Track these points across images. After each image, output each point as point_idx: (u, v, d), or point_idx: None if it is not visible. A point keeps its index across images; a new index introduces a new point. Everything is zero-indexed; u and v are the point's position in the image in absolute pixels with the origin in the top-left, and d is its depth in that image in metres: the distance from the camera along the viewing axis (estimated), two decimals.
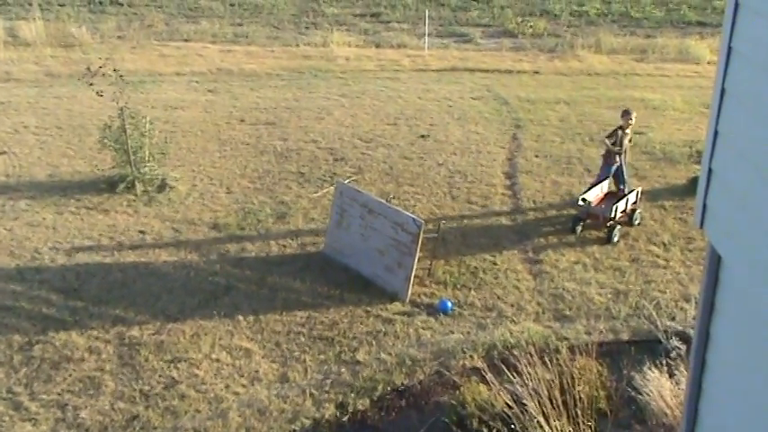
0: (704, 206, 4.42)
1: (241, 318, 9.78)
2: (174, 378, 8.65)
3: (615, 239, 11.61)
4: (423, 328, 9.58)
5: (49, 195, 13.12)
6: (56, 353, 9.04)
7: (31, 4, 27.48)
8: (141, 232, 11.91)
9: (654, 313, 9.37)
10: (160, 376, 8.69)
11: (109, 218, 12.37)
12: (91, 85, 12.83)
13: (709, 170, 4.33)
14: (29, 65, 21.45)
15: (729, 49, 4.06)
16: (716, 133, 4.24)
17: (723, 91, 4.13)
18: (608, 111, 18.01)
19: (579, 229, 11.87)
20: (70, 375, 8.68)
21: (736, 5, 3.99)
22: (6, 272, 10.76)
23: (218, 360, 8.98)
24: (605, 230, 11.72)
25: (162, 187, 13.34)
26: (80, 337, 9.35)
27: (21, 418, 8.03)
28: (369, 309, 9.99)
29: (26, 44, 23.32)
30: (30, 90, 19.23)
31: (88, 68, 13.00)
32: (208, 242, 11.61)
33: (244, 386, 8.56)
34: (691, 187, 13.02)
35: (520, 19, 27.96)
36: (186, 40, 24.80)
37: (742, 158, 3.96)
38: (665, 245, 11.60)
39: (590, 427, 7.26)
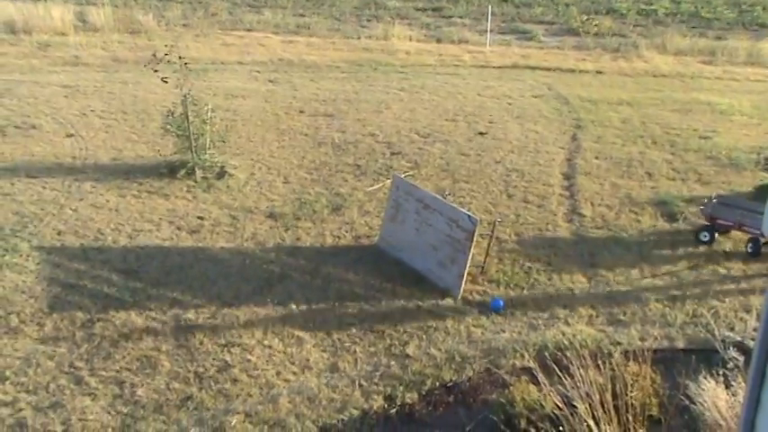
0: None
1: (294, 306, 9.90)
2: (227, 362, 8.82)
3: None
4: (474, 326, 9.55)
5: (113, 178, 13.48)
6: (115, 331, 9.31)
7: None
8: (200, 218, 12.14)
9: (712, 322, 9.16)
10: (214, 359, 8.86)
11: (169, 202, 12.65)
12: (156, 71, 13.11)
13: None
14: (96, 50, 22.06)
15: None
16: None
17: None
18: (672, 113, 17.66)
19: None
20: (128, 354, 8.92)
21: None
22: (71, 251, 11.11)
23: (270, 347, 9.12)
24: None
25: (221, 174, 13.58)
26: (139, 317, 9.60)
27: (81, 392, 8.29)
28: (420, 304, 10.00)
29: (95, 29, 24.00)
30: (97, 74, 19.78)
31: (154, 55, 13.28)
32: (264, 230, 11.78)
33: (294, 373, 8.67)
34: (757, 194, 12.67)
35: (585, 17, 27.56)
36: (249, 30, 25.17)
37: None
38: (726, 252, 11.32)
39: None
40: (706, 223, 11.52)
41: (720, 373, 7.96)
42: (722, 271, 10.85)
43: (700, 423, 7.54)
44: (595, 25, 26.47)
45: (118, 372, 8.63)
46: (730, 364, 8.22)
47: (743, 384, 7.50)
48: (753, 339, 8.06)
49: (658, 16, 28.38)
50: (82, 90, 18.40)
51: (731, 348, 8.54)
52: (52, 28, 23.50)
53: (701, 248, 11.41)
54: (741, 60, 22.87)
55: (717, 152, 15.14)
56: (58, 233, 11.59)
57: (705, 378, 7.83)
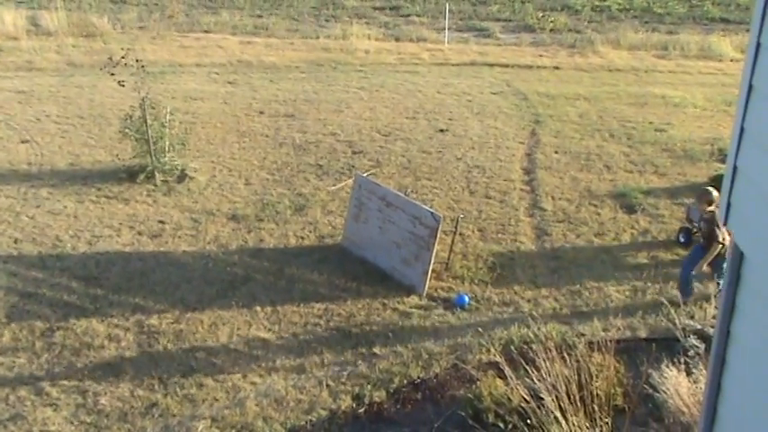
0: (728, 204, 4.40)
1: (259, 308, 9.83)
2: (192, 366, 8.72)
3: None
4: (439, 322, 9.59)
5: (71, 184, 13.24)
6: (76, 340, 9.14)
7: None
8: (161, 222, 11.99)
9: (672, 311, 9.32)
10: (179, 364, 8.75)
11: (129, 207, 12.47)
12: (112, 75, 12.92)
13: (734, 167, 4.30)
14: (51, 54, 21.64)
15: (758, 44, 4.03)
16: (742, 130, 4.22)
17: (751, 87, 4.10)
18: (628, 107, 17.94)
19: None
20: (90, 362, 8.77)
21: (766, 1, 3.96)
22: (28, 259, 10.88)
23: (235, 350, 9.04)
24: None
25: (181, 177, 13.42)
26: (100, 324, 9.44)
27: (42, 403, 8.13)
28: (386, 302, 10.01)
29: (48, 33, 23.53)
30: (51, 79, 19.40)
31: (110, 58, 13.08)
32: (226, 233, 11.68)
33: (261, 376, 8.61)
34: (712, 185, 12.90)
35: (540, 14, 27.87)
36: (206, 32, 24.93)
37: None
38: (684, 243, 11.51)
39: (607, 423, 7.25)
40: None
41: (682, 360, 8.12)
42: (681, 260, 11.03)
43: (663, 411, 7.68)
44: (551, 22, 26.77)
45: (80, 381, 8.47)
46: (691, 352, 8.38)
47: (704, 371, 7.65)
48: (712, 327, 8.22)
49: (612, 12, 28.82)
50: (36, 95, 18.03)
51: (692, 336, 8.72)
52: (4, 33, 22.98)
53: (660, 239, 11.61)
54: (693, 54, 23.32)
55: (672, 144, 15.42)
56: (15, 241, 11.35)
57: (667, 366, 7.97)
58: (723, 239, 9.50)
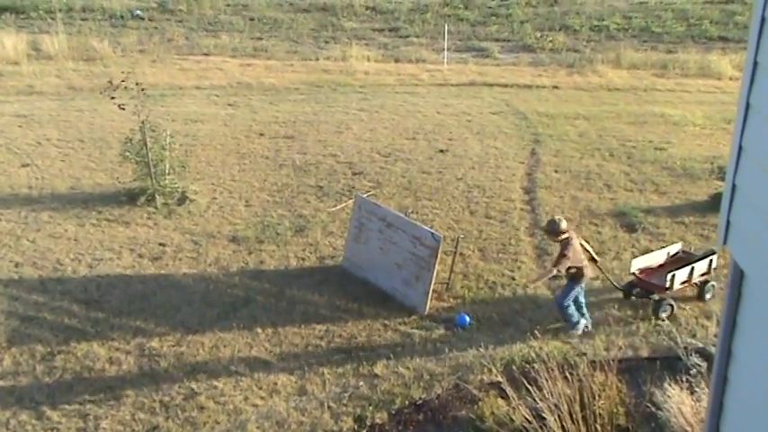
0: (728, 222, 4.40)
1: (260, 330, 9.81)
2: (193, 389, 8.69)
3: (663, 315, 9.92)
4: (441, 342, 9.56)
5: (71, 207, 13.27)
6: (77, 363, 9.12)
7: (53, 19, 27.91)
8: (161, 245, 12.00)
9: (674, 330, 9.30)
10: (180, 387, 8.72)
11: (130, 230, 12.48)
12: (112, 98, 12.98)
13: (733, 186, 4.32)
14: (51, 78, 21.77)
15: (755, 63, 4.06)
16: (740, 148, 4.23)
17: (748, 106, 4.12)
18: (628, 126, 17.99)
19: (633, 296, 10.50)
20: (91, 385, 8.74)
21: (763, 20, 3.99)
22: (29, 283, 10.88)
23: (237, 372, 9.01)
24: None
25: (182, 200, 13.45)
26: (101, 347, 9.42)
27: (43, 427, 8.09)
28: (387, 322, 9.99)
29: (48, 57, 23.68)
30: (52, 103, 19.51)
31: (110, 82, 13.16)
32: (227, 255, 11.68)
33: (262, 398, 8.58)
34: (712, 203, 12.95)
35: (539, 34, 28.01)
36: (206, 54, 25.07)
37: (767, 174, 3.95)
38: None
39: None
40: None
41: (684, 379, 8.09)
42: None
43: (666, 430, 7.63)
44: (550, 41, 26.92)
45: (81, 404, 8.44)
46: (693, 371, 8.35)
47: (706, 390, 7.61)
48: (714, 345, 8.20)
49: (610, 32, 28.97)
50: (37, 119, 18.12)
51: (694, 355, 8.69)
52: (4, 57, 23.14)
53: None
54: (692, 72, 23.41)
55: (672, 163, 15.45)
56: (15, 265, 11.35)
57: (670, 385, 7.94)
58: (560, 269, 9.36)
